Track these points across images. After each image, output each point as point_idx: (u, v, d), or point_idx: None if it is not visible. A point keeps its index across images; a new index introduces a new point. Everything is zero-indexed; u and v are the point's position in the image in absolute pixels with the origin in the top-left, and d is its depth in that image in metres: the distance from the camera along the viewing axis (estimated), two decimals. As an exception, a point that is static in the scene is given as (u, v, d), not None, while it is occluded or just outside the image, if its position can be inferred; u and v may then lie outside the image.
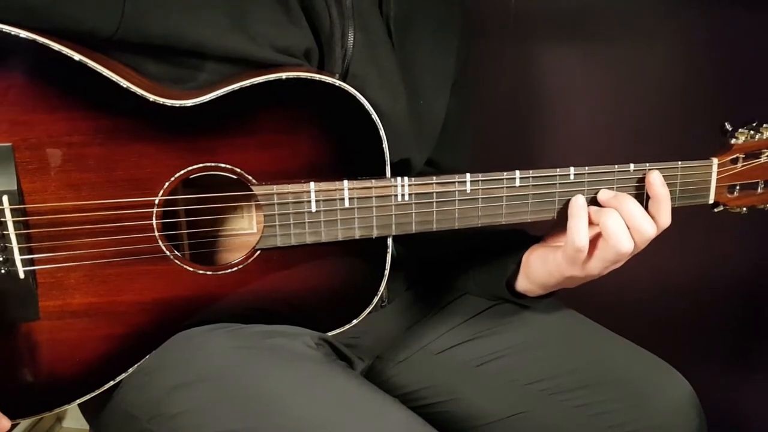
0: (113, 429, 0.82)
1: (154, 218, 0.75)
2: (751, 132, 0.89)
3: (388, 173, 0.80)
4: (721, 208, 0.92)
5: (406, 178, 0.79)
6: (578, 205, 0.81)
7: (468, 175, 0.81)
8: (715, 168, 0.89)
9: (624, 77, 1.41)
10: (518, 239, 0.93)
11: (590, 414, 0.89)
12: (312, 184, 0.77)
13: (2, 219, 0.70)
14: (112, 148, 0.72)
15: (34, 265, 0.73)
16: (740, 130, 0.89)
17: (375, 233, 0.81)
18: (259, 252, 0.79)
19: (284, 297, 0.81)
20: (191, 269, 0.77)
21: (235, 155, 0.75)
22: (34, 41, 0.68)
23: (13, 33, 0.67)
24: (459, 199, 0.82)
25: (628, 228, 0.80)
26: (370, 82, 0.84)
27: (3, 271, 0.71)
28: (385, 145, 0.79)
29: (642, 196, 0.85)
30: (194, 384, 0.73)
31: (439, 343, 0.99)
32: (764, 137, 0.89)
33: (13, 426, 0.75)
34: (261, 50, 0.78)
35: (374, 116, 0.78)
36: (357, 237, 0.80)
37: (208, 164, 0.75)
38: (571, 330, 0.97)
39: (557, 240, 0.89)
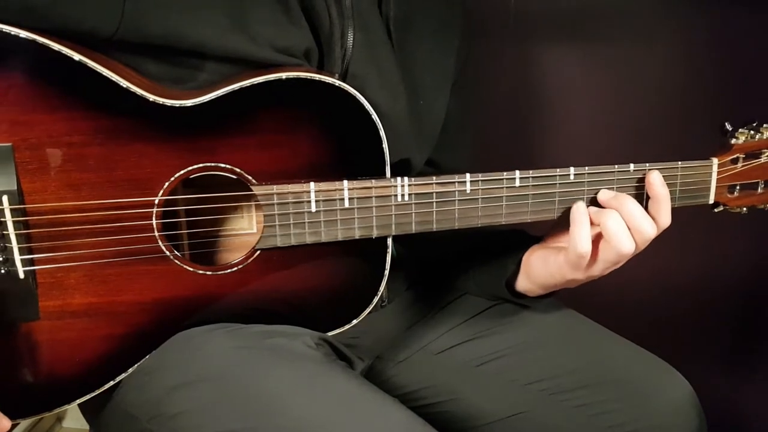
0: (113, 429, 0.82)
1: (154, 218, 0.75)
2: (751, 132, 0.89)
3: (388, 173, 0.80)
4: (721, 208, 0.92)
5: (406, 178, 0.79)
6: (580, 211, 0.81)
7: (468, 175, 0.81)
8: (715, 168, 0.89)
9: (624, 77, 1.41)
10: (518, 239, 0.93)
11: (590, 414, 0.89)
12: (312, 184, 0.77)
13: (2, 219, 0.70)
14: (112, 148, 0.72)
15: (34, 265, 0.73)
16: (740, 130, 0.89)
17: (375, 233, 0.81)
18: (258, 252, 0.79)
19: (284, 297, 0.81)
20: (191, 269, 0.77)
21: (235, 155, 0.75)
22: (33, 41, 0.68)
23: (13, 33, 0.67)
24: (459, 199, 0.82)
25: (629, 228, 0.80)
26: (369, 82, 0.84)
27: (3, 271, 0.71)
28: (385, 145, 0.79)
29: (642, 196, 0.85)
30: (194, 384, 0.73)
31: (439, 343, 0.99)
32: (764, 137, 0.89)
33: (13, 426, 0.75)
34: (261, 50, 0.78)
35: (374, 116, 0.78)
36: (357, 237, 0.80)
37: (208, 164, 0.75)
38: (571, 330, 0.97)
39: (557, 240, 0.89)
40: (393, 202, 0.80)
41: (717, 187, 0.90)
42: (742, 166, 0.90)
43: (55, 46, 0.68)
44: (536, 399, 0.92)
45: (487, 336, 0.97)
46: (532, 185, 0.83)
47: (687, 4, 1.36)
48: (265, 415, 0.69)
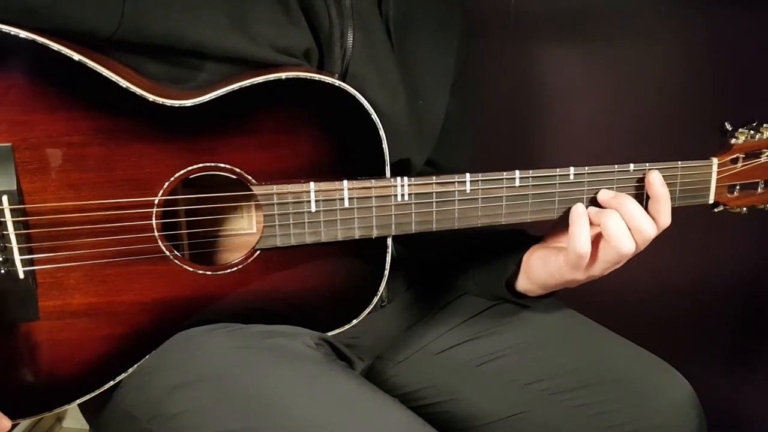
0: (113, 429, 0.82)
1: (153, 218, 0.74)
2: (751, 132, 0.89)
3: (388, 173, 0.80)
4: (721, 208, 0.92)
5: (405, 178, 0.79)
6: (579, 212, 0.81)
7: (468, 175, 0.81)
8: (715, 168, 0.89)
9: (624, 77, 1.41)
10: (518, 239, 0.93)
11: (590, 414, 0.89)
12: (312, 184, 0.77)
13: (2, 219, 0.70)
14: (111, 148, 0.72)
15: (33, 265, 0.73)
16: (740, 129, 0.89)
17: (375, 233, 0.81)
18: (258, 252, 0.79)
19: (284, 297, 0.81)
20: (191, 269, 0.77)
21: (235, 155, 0.75)
22: (33, 41, 0.68)
23: (12, 33, 0.67)
24: (459, 199, 0.82)
25: (629, 229, 0.80)
26: (369, 82, 0.84)
27: (3, 271, 0.71)
28: (384, 145, 0.79)
29: (642, 196, 0.85)
30: (194, 384, 0.73)
31: (439, 343, 0.99)
32: (764, 137, 0.89)
33: (13, 426, 0.75)
34: (261, 50, 0.78)
35: (374, 116, 0.78)
36: (357, 237, 0.80)
37: (208, 164, 0.75)
38: (571, 330, 0.97)
39: (557, 240, 0.89)
40: (393, 202, 0.80)
41: (717, 186, 0.90)
42: (742, 165, 0.90)
43: (55, 46, 0.68)
44: (536, 399, 0.92)
45: (487, 336, 0.97)
46: (532, 185, 0.83)
47: (687, 4, 1.36)
48: (265, 415, 0.69)
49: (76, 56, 0.69)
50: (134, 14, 0.71)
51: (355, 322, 0.84)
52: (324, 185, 0.78)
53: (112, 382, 0.78)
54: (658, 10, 1.37)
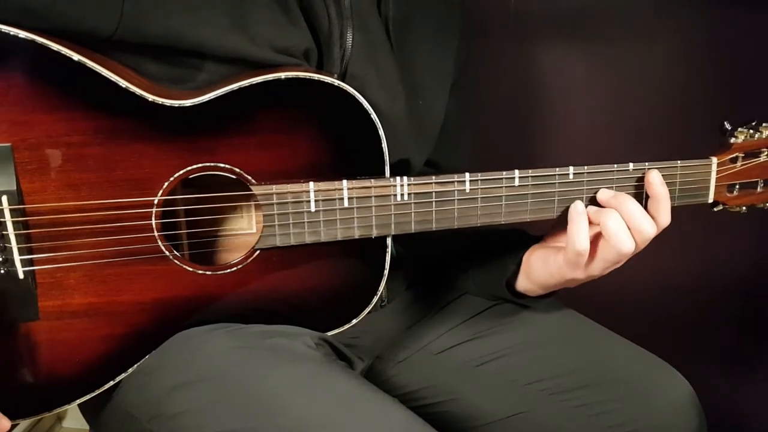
0: (113, 429, 0.82)
1: (153, 218, 0.75)
2: (751, 131, 0.89)
3: (388, 173, 0.80)
4: (720, 207, 0.92)
5: (405, 178, 0.79)
6: (577, 210, 0.81)
7: (467, 174, 0.81)
8: (714, 167, 0.89)
9: (624, 77, 1.41)
10: (518, 239, 0.93)
11: (590, 414, 0.89)
12: (311, 183, 0.77)
13: (1, 219, 0.70)
14: (111, 148, 0.72)
15: (33, 266, 0.73)
16: (739, 129, 0.89)
17: (374, 233, 0.81)
18: (258, 252, 0.79)
19: (284, 297, 0.81)
20: (191, 269, 0.77)
21: (235, 155, 0.75)
22: (33, 41, 0.68)
23: (12, 33, 0.67)
24: (458, 199, 0.82)
25: (629, 228, 0.80)
26: (368, 82, 0.84)
27: (2, 272, 0.71)
28: (384, 144, 0.79)
29: (641, 196, 0.85)
30: (194, 384, 0.73)
31: (439, 343, 0.99)
32: (763, 136, 0.89)
33: (13, 426, 0.75)
34: (260, 50, 0.78)
35: (373, 116, 0.78)
36: (356, 237, 0.80)
37: (208, 164, 0.75)
38: (571, 330, 0.97)
39: (557, 240, 0.89)
40: (392, 202, 0.80)
41: (716, 186, 0.90)
42: (742, 165, 0.90)
43: (54, 46, 0.68)
44: (536, 399, 0.92)
45: (487, 336, 0.97)
46: (532, 184, 0.83)
47: (687, 4, 1.36)
48: (265, 415, 0.69)
49: (76, 56, 0.69)
50: (133, 14, 0.71)
51: (354, 321, 0.84)
52: (323, 185, 0.78)
53: (112, 382, 0.78)
54: (658, 10, 1.37)
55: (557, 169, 0.83)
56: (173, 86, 0.76)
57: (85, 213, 0.73)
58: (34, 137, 0.70)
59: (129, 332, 0.77)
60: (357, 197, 0.79)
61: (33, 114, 0.70)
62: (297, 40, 0.81)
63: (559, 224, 0.86)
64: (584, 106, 1.44)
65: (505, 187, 0.82)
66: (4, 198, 0.69)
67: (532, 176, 0.82)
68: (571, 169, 0.83)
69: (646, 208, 0.83)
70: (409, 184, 0.80)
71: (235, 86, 0.74)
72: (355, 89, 0.77)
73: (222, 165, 0.75)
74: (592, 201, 0.84)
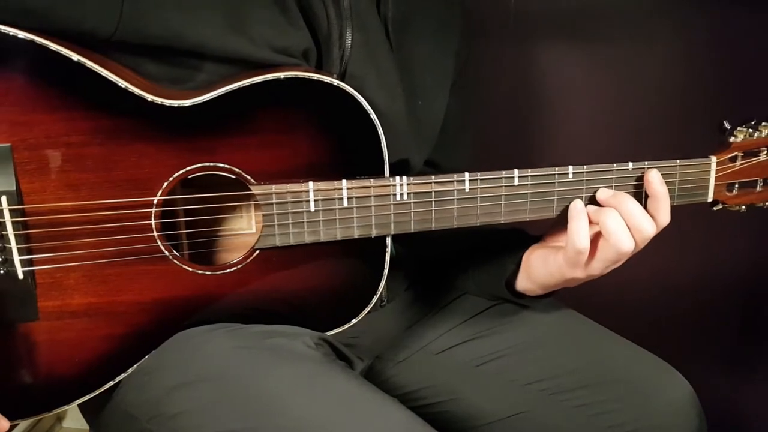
0: (113, 429, 0.82)
1: (153, 218, 0.75)
2: (750, 130, 0.89)
3: (387, 173, 0.80)
4: (720, 206, 0.92)
5: (404, 178, 0.79)
6: (577, 209, 0.81)
7: (467, 174, 0.81)
8: (713, 166, 0.89)
9: (624, 77, 1.41)
10: (517, 238, 0.93)
11: (590, 414, 0.89)
12: (311, 183, 0.77)
13: (1, 219, 0.70)
14: (111, 148, 0.72)
15: (33, 266, 0.73)
16: (739, 128, 0.89)
17: (374, 233, 0.81)
18: (258, 252, 0.79)
19: (283, 297, 0.81)
20: (190, 269, 0.77)
21: (234, 155, 0.75)
22: (32, 42, 0.68)
23: (11, 33, 0.67)
24: (458, 198, 0.82)
25: (628, 227, 0.80)
26: (368, 82, 0.84)
27: (2, 272, 0.71)
28: (383, 144, 0.79)
29: (641, 195, 0.85)
30: (194, 384, 0.73)
31: (439, 343, 0.99)
32: (763, 135, 0.89)
33: (13, 426, 0.75)
34: (260, 51, 0.78)
35: (373, 116, 0.78)
36: (356, 236, 0.80)
37: (207, 164, 0.75)
38: (571, 330, 0.97)
39: (557, 239, 0.89)
40: (392, 202, 0.80)
41: (716, 185, 0.90)
42: (741, 164, 0.90)
43: (54, 47, 0.68)
44: (536, 399, 0.92)
45: (487, 336, 0.97)
46: (531, 184, 0.83)
47: (687, 4, 1.36)
48: (265, 415, 0.69)
49: (76, 56, 0.69)
50: (133, 14, 0.71)
51: (354, 321, 0.84)
52: (323, 185, 0.78)
53: (111, 382, 0.78)
54: (658, 10, 1.37)
55: (556, 168, 0.83)
56: (173, 86, 0.76)
57: (84, 213, 0.73)
58: (33, 137, 0.70)
59: (129, 332, 0.77)
60: (356, 197, 0.79)
61: (33, 114, 0.70)
62: (296, 41, 0.81)
63: (559, 224, 0.86)
64: (584, 106, 1.44)
65: (505, 186, 0.82)
66: (4, 198, 0.69)
67: (531, 176, 0.83)
68: (571, 168, 0.83)
69: (645, 207, 0.83)
70: (408, 184, 0.80)
71: (234, 86, 0.74)
72: (354, 89, 0.77)
73: (221, 165, 0.75)
74: (592, 200, 0.84)
